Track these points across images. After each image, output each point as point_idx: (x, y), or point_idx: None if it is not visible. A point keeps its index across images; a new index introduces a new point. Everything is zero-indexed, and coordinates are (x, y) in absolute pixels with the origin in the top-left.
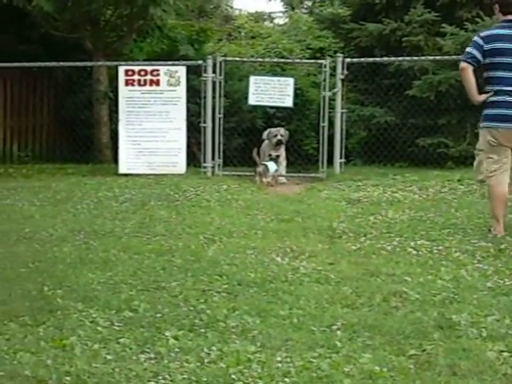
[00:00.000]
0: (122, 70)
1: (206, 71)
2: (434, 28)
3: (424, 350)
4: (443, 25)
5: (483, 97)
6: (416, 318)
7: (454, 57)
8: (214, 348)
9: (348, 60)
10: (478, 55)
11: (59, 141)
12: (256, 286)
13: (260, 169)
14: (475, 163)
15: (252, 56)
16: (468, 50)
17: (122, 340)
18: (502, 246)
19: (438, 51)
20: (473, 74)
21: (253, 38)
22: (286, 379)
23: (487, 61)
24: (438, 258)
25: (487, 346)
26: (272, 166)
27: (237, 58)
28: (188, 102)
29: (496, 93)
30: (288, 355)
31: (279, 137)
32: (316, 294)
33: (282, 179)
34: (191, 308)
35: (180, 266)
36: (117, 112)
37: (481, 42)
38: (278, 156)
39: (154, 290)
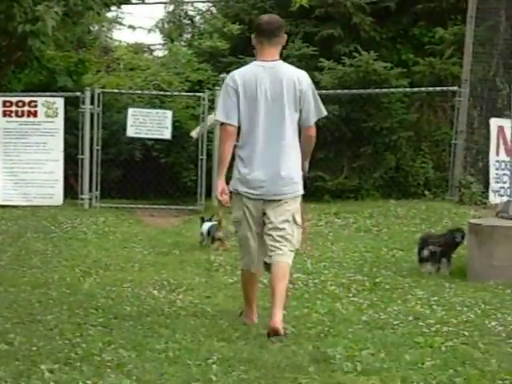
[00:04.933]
0: None
1: (84, 103)
2: (312, 62)
3: None
4: (321, 59)
5: None
6: (291, 352)
7: (332, 91)
8: (89, 382)
9: None
10: None
11: None
12: (132, 319)
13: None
14: None
15: (130, 88)
16: None
17: None
18: (378, 280)
19: (315, 85)
20: None
21: (132, 69)
22: None
23: None
24: (314, 292)
25: (362, 380)
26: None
27: (115, 90)
28: (66, 133)
29: None
30: None
31: None
32: (192, 327)
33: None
34: (66, 341)
35: (56, 299)
36: None
37: None
38: None
39: (30, 322)
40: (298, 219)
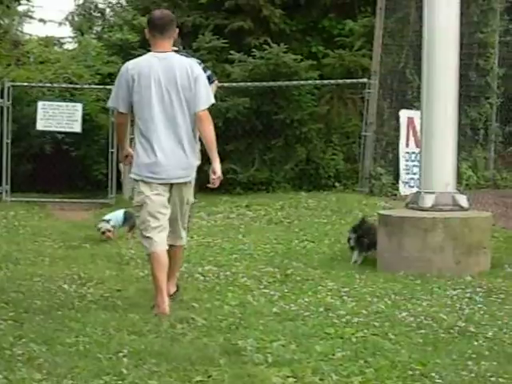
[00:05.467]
0: None
1: None
2: (223, 55)
3: (210, 376)
4: (231, 51)
5: None
6: (202, 344)
7: (242, 84)
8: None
9: None
10: None
11: None
12: (43, 313)
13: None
14: None
15: (41, 81)
16: None
17: None
18: (289, 272)
19: (226, 78)
20: None
21: (42, 63)
22: None
23: None
24: (225, 284)
25: (273, 371)
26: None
27: (25, 83)
28: None
29: None
30: (74, 383)
31: None
32: (103, 321)
33: None
34: None
35: None
36: None
37: None
38: None
39: None
40: (192, 198)
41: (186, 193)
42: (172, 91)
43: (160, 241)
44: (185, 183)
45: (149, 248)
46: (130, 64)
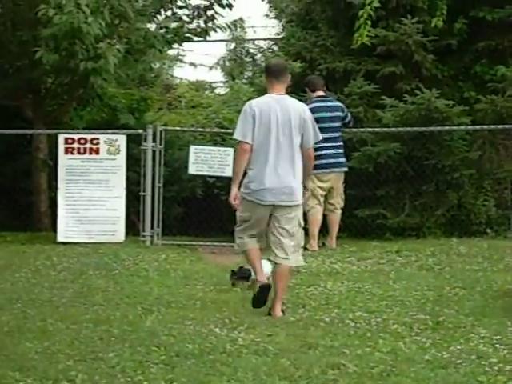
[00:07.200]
0: (61, 138)
1: (146, 140)
2: (374, 100)
3: None
4: (383, 97)
5: None
6: None
7: (393, 129)
8: None
9: None
10: None
11: None
12: (194, 357)
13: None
14: None
15: (192, 125)
16: None
17: None
18: (440, 319)
19: (377, 123)
20: None
21: (193, 107)
22: None
23: None
24: (376, 330)
25: None
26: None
27: (177, 128)
28: (128, 170)
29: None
30: None
31: None
32: (254, 366)
33: None
34: (128, 379)
35: (117, 337)
36: (56, 180)
37: None
38: None
39: (92, 360)
40: (302, 222)
41: (294, 216)
42: (286, 128)
43: (250, 242)
44: (290, 206)
45: (240, 248)
46: (253, 102)
